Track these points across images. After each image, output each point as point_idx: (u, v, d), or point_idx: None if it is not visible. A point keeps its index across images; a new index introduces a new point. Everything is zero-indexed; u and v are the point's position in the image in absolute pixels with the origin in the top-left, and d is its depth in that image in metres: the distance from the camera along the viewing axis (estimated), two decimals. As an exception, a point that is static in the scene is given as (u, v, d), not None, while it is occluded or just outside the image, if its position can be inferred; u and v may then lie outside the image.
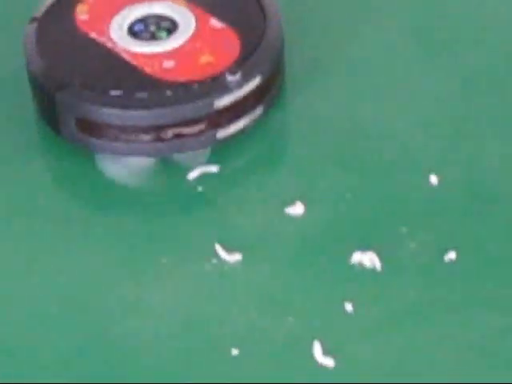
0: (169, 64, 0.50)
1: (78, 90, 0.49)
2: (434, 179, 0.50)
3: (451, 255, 0.46)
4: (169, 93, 0.48)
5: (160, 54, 0.51)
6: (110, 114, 0.48)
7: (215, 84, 0.49)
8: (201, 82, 0.49)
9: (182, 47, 0.52)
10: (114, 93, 0.48)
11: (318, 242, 0.48)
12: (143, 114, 0.48)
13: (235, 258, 0.46)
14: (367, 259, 0.45)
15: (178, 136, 0.48)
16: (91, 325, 0.45)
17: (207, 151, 0.51)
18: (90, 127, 0.49)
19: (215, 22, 0.52)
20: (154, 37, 0.52)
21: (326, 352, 0.42)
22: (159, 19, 0.52)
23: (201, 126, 0.48)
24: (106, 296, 0.47)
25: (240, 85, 0.49)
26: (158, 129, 0.48)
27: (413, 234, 0.48)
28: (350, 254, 0.46)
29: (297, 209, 0.48)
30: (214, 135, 0.49)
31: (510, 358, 0.43)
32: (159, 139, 0.49)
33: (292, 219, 0.48)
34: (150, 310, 0.46)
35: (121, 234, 0.49)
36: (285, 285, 0.46)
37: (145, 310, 0.46)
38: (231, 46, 0.51)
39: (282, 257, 0.47)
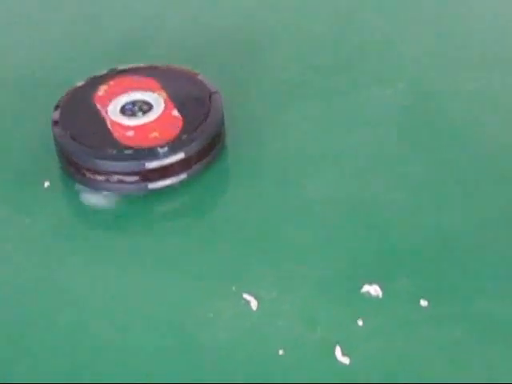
0: (130, 134, 0.71)
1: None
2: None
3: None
4: (121, 152, 0.70)
5: (127, 127, 0.72)
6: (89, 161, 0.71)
7: (150, 152, 0.69)
8: (140, 149, 0.70)
9: (144, 124, 0.72)
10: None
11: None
12: (103, 163, 0.70)
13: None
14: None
15: (120, 181, 0.69)
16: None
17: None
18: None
19: (175, 112, 0.73)
20: (133, 114, 0.73)
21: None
22: (142, 103, 0.74)
23: (136, 178, 0.69)
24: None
25: (166, 156, 0.69)
26: (108, 174, 0.70)
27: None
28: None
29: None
30: (146, 186, 0.70)
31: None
32: (108, 181, 0.70)
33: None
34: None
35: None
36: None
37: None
38: (176, 129, 0.71)
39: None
